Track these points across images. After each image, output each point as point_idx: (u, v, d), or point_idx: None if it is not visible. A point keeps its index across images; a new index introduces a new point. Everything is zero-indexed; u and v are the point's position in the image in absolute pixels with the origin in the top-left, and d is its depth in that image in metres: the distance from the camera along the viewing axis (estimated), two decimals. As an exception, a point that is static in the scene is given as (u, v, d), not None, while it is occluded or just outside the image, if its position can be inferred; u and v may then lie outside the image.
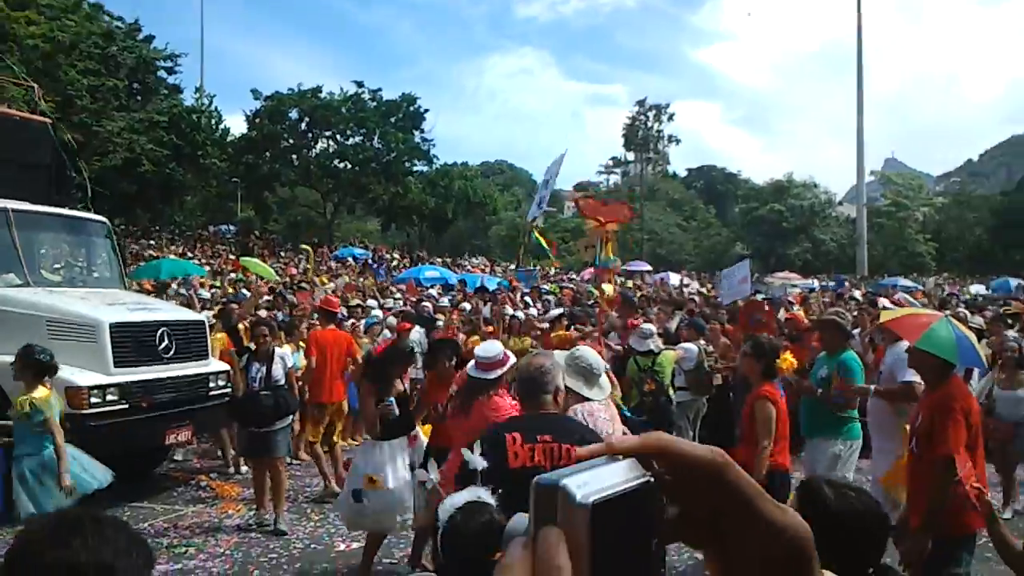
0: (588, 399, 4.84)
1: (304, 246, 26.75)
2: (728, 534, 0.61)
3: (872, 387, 6.24)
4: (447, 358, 6.69)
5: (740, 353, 6.29)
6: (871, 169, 71.92)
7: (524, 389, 3.75)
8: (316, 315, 10.98)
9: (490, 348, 5.59)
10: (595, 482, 0.55)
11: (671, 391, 9.32)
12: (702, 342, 10.33)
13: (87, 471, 6.55)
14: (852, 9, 58.43)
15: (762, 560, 0.60)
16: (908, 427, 5.69)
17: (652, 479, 0.59)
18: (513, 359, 5.49)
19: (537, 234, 19.89)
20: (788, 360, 5.79)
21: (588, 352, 5.11)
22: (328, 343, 9.76)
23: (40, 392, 6.34)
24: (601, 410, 4.92)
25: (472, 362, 5.49)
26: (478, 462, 3.33)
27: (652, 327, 9.85)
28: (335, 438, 9.84)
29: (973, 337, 5.61)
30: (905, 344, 5.96)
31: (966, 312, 12.43)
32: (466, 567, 2.74)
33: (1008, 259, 53.00)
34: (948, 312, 12.48)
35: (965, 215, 66.25)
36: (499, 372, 5.34)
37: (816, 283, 29.27)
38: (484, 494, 2.94)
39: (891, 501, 5.31)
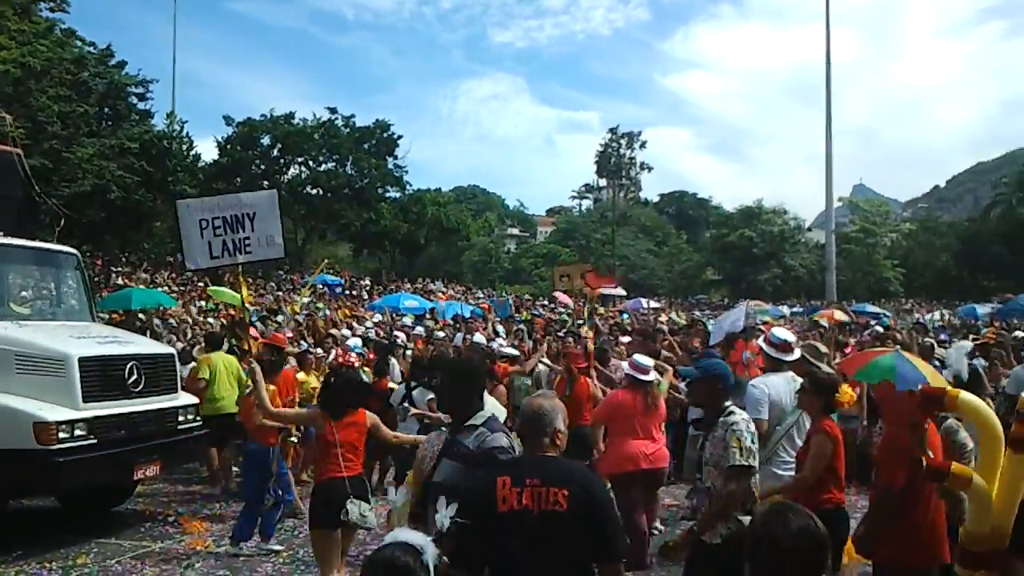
0: None
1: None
2: None
3: None
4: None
5: (799, 388, 6.29)
6: (839, 195, 72.82)
7: (524, 430, 3.70)
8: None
9: (645, 359, 8.17)
10: None
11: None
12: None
13: None
14: (821, 38, 59.35)
15: None
16: None
17: None
18: None
19: None
20: (848, 394, 5.77)
21: None
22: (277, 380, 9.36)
23: None
24: None
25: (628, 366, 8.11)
26: (444, 520, 3.47)
27: (649, 360, 9.84)
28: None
29: (928, 369, 5.66)
30: (756, 380, 6.39)
31: (932, 341, 12.55)
32: None
33: (975, 285, 53.72)
34: (918, 341, 12.65)
35: (932, 241, 67.21)
36: (650, 376, 7.96)
37: (786, 309, 29.46)
38: (427, 545, 2.89)
39: None
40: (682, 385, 9.98)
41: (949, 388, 3.42)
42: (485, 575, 3.44)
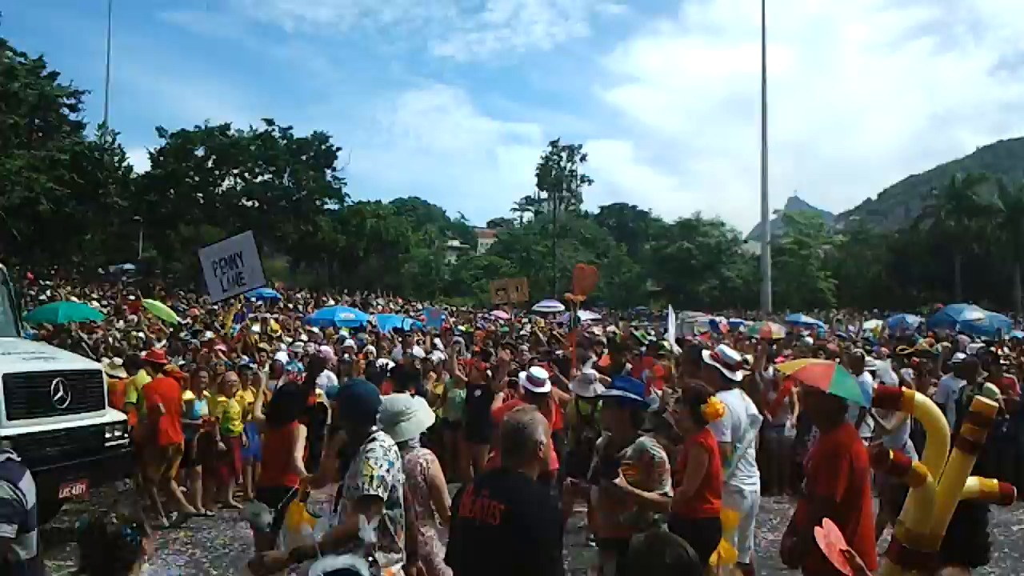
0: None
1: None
2: None
3: None
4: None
5: (674, 400, 6.42)
6: (774, 208, 74.16)
7: (504, 444, 3.77)
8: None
9: (541, 373, 8.44)
10: None
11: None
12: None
13: None
14: (757, 54, 60.43)
15: None
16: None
17: None
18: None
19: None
20: (713, 407, 5.87)
21: (391, 400, 5.22)
22: (164, 391, 10.18)
23: None
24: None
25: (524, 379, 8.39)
26: (368, 535, 3.76)
27: (594, 372, 9.92)
28: (171, 473, 10.26)
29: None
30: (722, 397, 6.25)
31: (862, 352, 12.78)
32: None
33: (905, 295, 54.97)
34: (849, 351, 12.88)
35: (864, 252, 68.73)
36: (545, 388, 8.31)
37: (724, 321, 29.79)
38: (360, 564, 3.08)
39: None
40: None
41: (905, 390, 3.52)
42: None
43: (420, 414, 5.12)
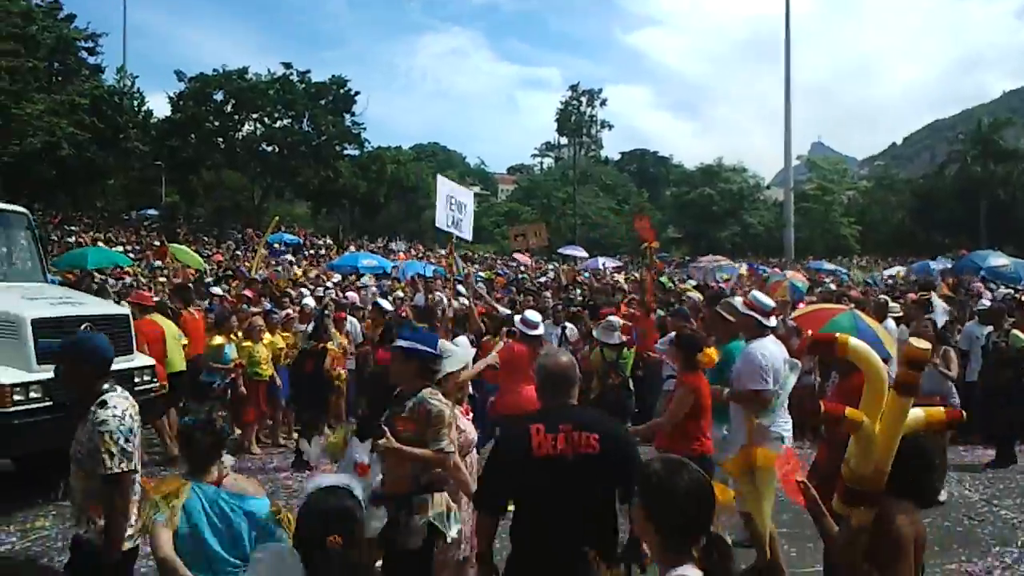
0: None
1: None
2: None
3: (725, 391, 6.33)
4: None
5: (670, 341, 6.54)
6: (798, 154, 73.35)
7: (552, 384, 3.90)
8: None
9: (534, 316, 8.79)
10: None
11: (630, 383, 9.72)
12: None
13: None
14: (779, -4, 59.31)
15: None
16: (755, 420, 6.06)
17: None
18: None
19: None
20: (708, 356, 5.97)
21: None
22: (152, 330, 10.42)
23: None
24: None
25: (519, 322, 8.75)
26: (313, 455, 4.37)
27: (618, 319, 9.97)
28: None
29: (881, 330, 5.78)
30: (753, 346, 6.21)
31: (886, 298, 12.72)
32: (308, 542, 2.90)
33: (930, 241, 54.42)
34: (872, 298, 12.82)
35: (888, 198, 67.97)
36: (539, 331, 8.56)
37: (744, 268, 29.62)
38: (354, 482, 3.15)
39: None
40: (658, 345, 10.19)
41: (838, 334, 3.58)
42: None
43: (459, 352, 5.31)
